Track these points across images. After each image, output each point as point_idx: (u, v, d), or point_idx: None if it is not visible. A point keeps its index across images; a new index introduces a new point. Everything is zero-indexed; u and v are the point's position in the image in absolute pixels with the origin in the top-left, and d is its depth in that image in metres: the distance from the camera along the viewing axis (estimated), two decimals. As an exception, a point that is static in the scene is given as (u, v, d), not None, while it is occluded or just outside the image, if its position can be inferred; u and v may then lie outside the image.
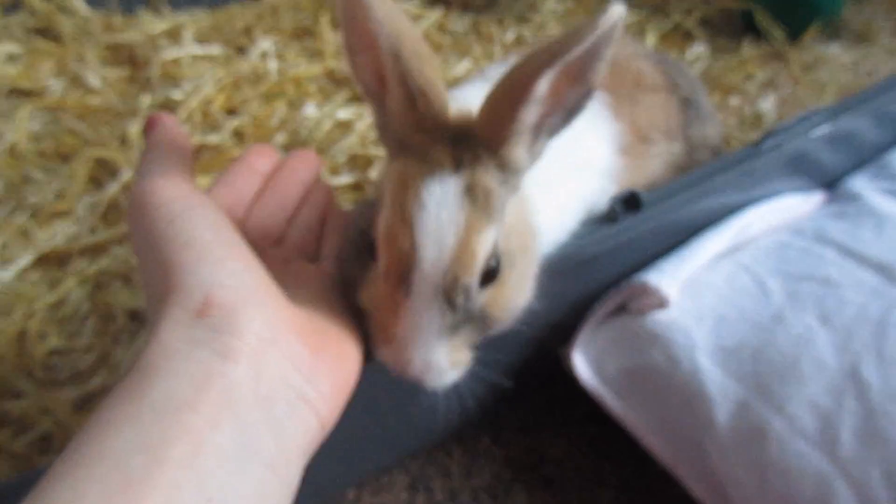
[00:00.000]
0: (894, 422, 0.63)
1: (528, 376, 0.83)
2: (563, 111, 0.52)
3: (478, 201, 0.50)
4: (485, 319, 0.54)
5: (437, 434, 0.82)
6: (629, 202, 0.65)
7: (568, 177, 0.67)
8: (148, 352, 0.43)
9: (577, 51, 0.45)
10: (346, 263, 0.58)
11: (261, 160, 0.68)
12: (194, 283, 0.45)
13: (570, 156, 0.67)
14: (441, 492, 0.78)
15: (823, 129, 0.74)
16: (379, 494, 0.78)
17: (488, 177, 0.51)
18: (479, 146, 0.51)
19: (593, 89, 0.50)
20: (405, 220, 0.50)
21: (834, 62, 1.33)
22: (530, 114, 0.50)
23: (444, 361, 0.52)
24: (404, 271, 0.50)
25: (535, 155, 0.54)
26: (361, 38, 0.51)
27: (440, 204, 0.50)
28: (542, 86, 0.48)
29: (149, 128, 0.57)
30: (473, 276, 0.51)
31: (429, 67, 0.51)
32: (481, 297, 0.52)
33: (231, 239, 0.49)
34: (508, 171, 0.52)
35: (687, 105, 0.81)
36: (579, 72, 0.48)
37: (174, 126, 0.58)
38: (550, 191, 0.63)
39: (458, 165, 0.51)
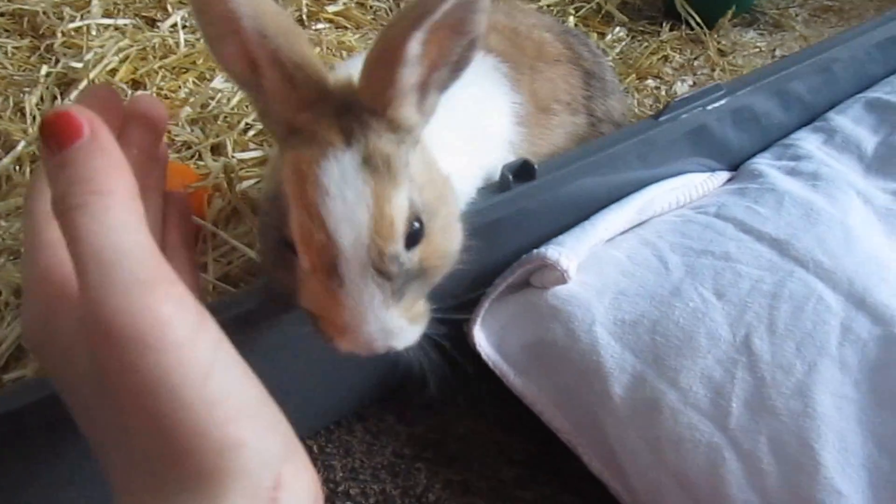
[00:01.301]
0: (782, 392, 0.64)
1: (435, 352, 0.82)
2: (449, 65, 0.51)
3: (379, 169, 0.49)
4: (425, 272, 0.53)
5: (339, 411, 0.80)
6: (521, 171, 0.64)
7: (466, 146, 0.66)
8: None
9: (442, 10, 0.44)
10: (273, 272, 0.56)
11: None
12: (260, 463, 0.36)
13: (468, 125, 0.66)
14: (342, 470, 0.76)
15: (721, 102, 0.75)
16: (277, 475, 0.76)
17: (382, 142, 0.50)
18: (365, 113, 0.50)
19: (477, 40, 0.49)
20: (312, 213, 0.48)
21: (750, 48, 1.35)
22: (410, 74, 0.49)
23: (402, 323, 0.51)
24: (330, 263, 0.49)
25: (426, 111, 0.53)
26: (222, 25, 0.48)
27: (341, 184, 0.48)
28: (414, 47, 0.47)
29: (54, 139, 0.36)
30: (398, 243, 0.50)
31: (299, 42, 0.49)
32: (414, 257, 0.52)
33: (261, 388, 0.41)
34: (401, 132, 0.51)
35: (590, 77, 0.81)
36: (458, 24, 0.47)
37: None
38: (449, 159, 0.62)
39: (349, 138, 0.49)
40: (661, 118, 0.71)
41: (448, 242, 0.56)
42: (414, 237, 0.51)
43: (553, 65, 0.77)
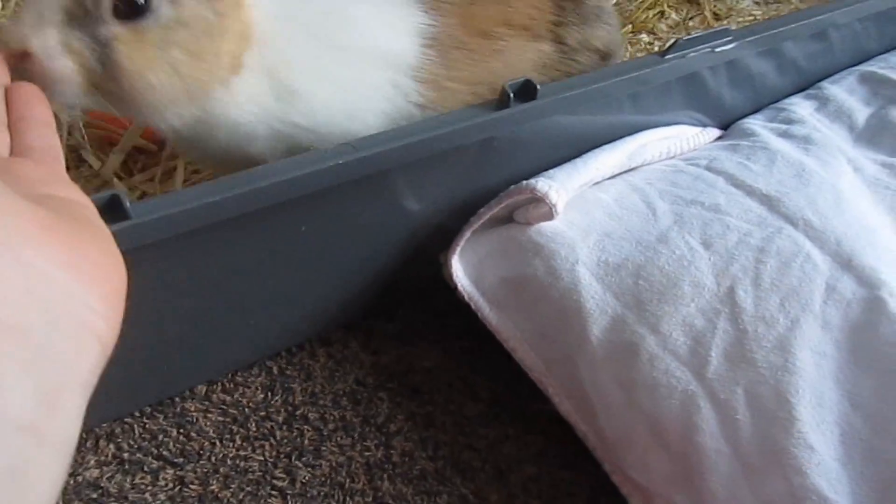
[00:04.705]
0: (762, 345, 0.63)
1: (407, 283, 0.80)
2: None
3: None
4: (109, 61, 0.53)
5: (301, 334, 0.77)
6: (522, 90, 0.61)
7: (341, 63, 0.63)
8: None
9: None
10: None
11: None
12: None
13: (348, 42, 0.64)
14: (301, 394, 0.73)
15: (729, 47, 0.72)
16: (233, 392, 0.72)
17: None
18: None
19: None
20: None
21: (745, 14, 1.34)
22: None
23: (53, 39, 0.51)
24: None
25: None
26: None
27: None
28: None
29: None
30: None
31: None
32: (115, 28, 0.53)
33: None
34: None
35: (562, 2, 0.75)
36: None
37: None
38: (319, 73, 0.62)
39: None
40: (668, 55, 0.68)
41: (154, 62, 0.54)
42: (129, 11, 0.52)
43: None
